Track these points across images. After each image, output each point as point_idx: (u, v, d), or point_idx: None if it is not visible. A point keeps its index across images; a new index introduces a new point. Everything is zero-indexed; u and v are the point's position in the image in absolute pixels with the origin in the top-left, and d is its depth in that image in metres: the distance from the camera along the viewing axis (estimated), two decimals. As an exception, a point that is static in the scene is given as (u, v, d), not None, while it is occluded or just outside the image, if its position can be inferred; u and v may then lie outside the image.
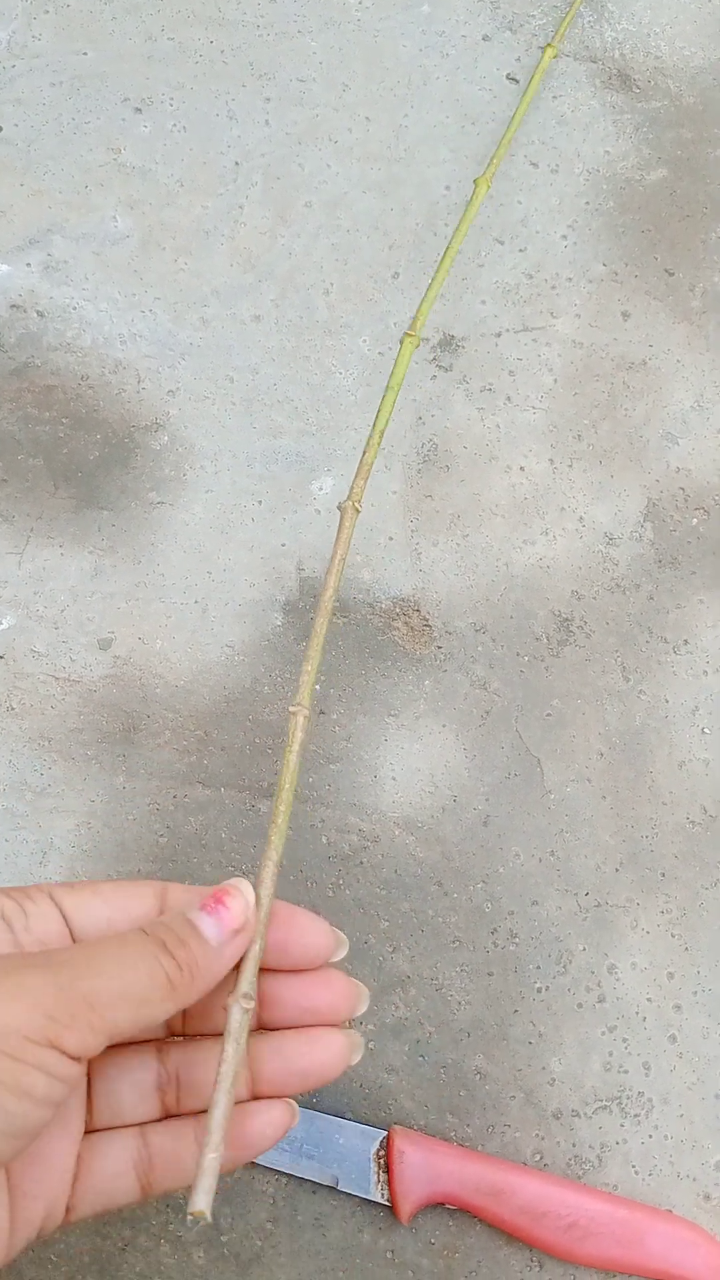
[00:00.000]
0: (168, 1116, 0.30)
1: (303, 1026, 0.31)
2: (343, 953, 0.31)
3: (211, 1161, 0.26)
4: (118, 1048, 0.30)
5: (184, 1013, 0.31)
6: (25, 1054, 0.23)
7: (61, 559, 0.47)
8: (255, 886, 0.30)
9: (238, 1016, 0.28)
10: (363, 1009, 0.31)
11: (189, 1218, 0.26)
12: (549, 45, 0.55)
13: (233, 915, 0.29)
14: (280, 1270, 0.39)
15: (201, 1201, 0.26)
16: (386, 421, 0.39)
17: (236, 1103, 0.28)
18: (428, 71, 0.57)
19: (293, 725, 0.34)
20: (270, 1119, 0.30)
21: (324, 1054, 0.30)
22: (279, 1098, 0.30)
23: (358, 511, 0.38)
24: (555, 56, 0.56)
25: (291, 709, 0.34)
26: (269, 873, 0.31)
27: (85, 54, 0.56)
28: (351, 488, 0.39)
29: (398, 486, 0.50)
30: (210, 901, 0.29)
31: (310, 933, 0.31)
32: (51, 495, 0.48)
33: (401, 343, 0.42)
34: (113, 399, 0.50)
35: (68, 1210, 0.28)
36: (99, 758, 0.45)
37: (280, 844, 0.31)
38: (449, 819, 0.45)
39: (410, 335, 0.42)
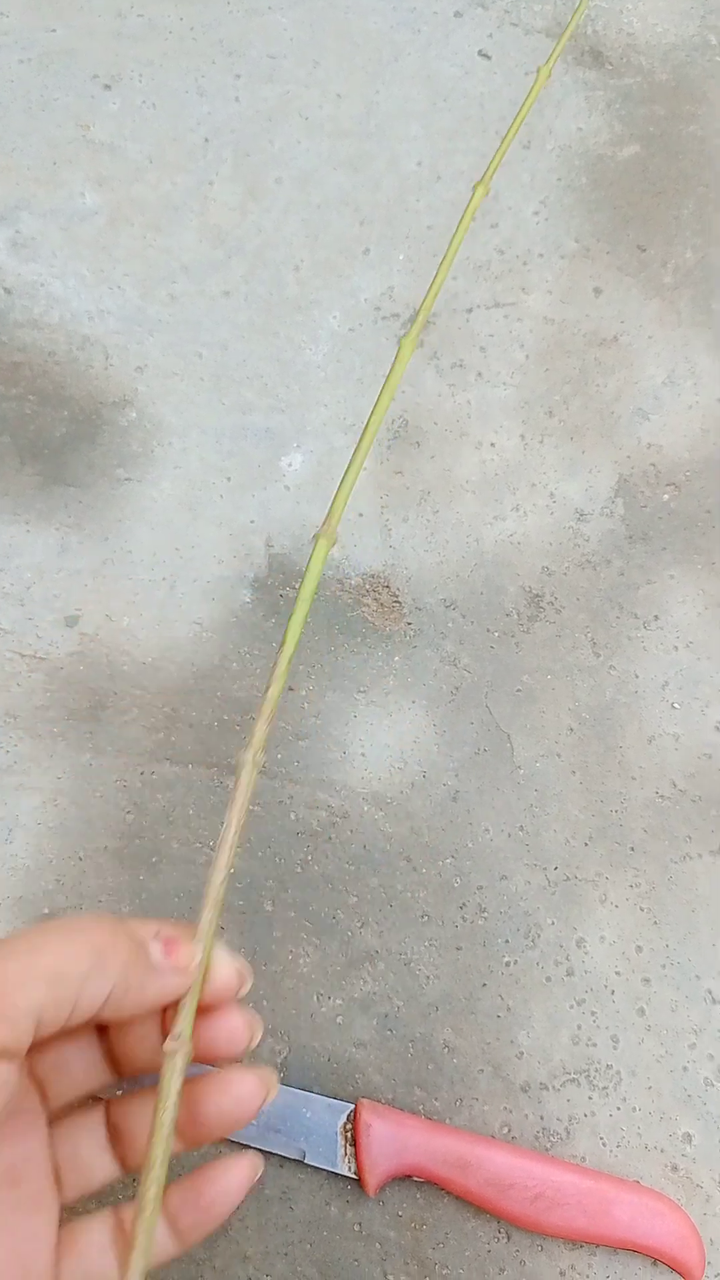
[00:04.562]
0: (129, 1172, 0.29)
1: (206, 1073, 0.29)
2: (248, 987, 0.30)
3: None
4: (64, 1111, 0.29)
5: (117, 1061, 0.30)
6: None
7: (28, 535, 0.47)
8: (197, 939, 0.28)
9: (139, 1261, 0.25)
10: (258, 1038, 0.30)
11: None
12: (545, 64, 0.54)
13: (179, 954, 0.28)
14: (248, 1243, 0.39)
15: None
16: (397, 383, 0.38)
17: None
18: (399, 48, 0.57)
19: (242, 776, 0.30)
20: (233, 1177, 0.29)
21: (236, 1097, 0.29)
22: (241, 1158, 0.29)
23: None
24: (560, 55, 0.55)
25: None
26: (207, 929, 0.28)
27: (54, 30, 0.55)
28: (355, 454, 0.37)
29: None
30: (163, 931, 0.28)
31: (222, 971, 0.29)
32: (17, 472, 0.48)
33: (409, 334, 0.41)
34: (80, 375, 0.50)
35: None
36: (66, 734, 0.45)
37: (219, 907, 0.29)
38: (418, 794, 0.45)
39: (414, 331, 0.41)
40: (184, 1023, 0.28)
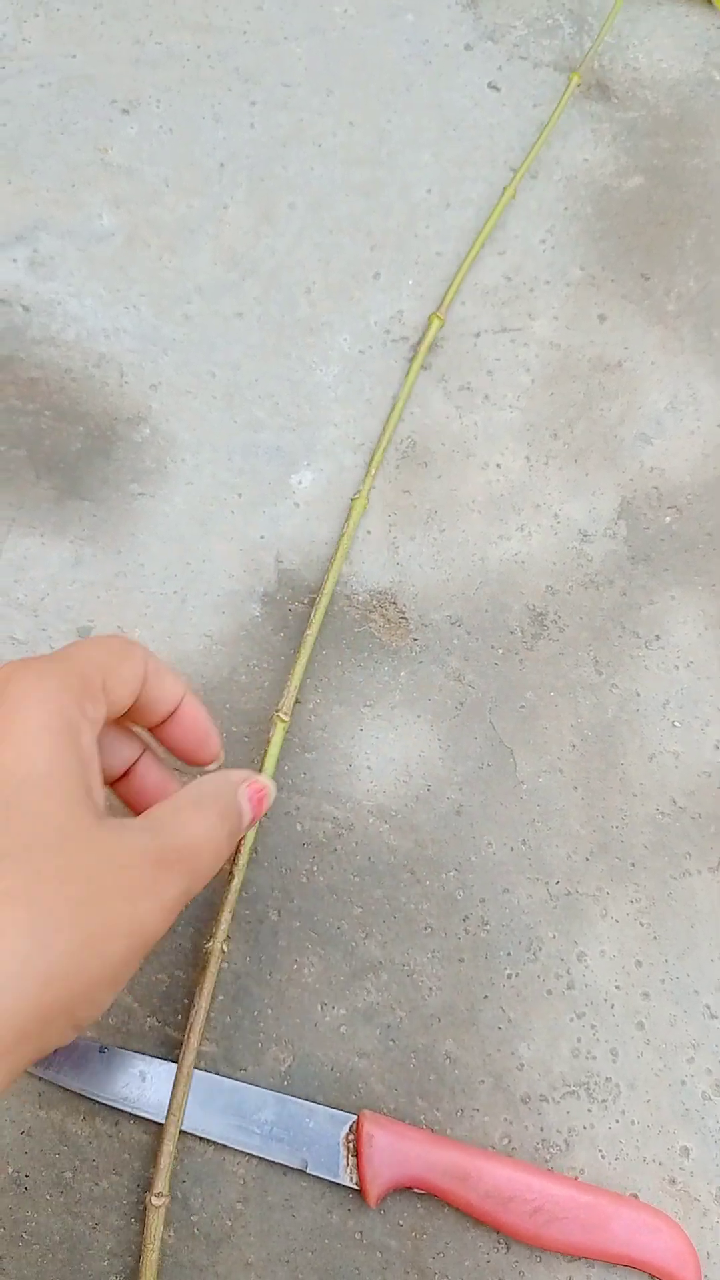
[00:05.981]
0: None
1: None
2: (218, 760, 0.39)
3: None
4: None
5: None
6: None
7: (42, 548, 0.48)
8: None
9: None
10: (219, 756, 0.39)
11: None
12: (574, 72, 0.57)
13: (259, 809, 0.36)
14: (249, 1250, 0.39)
15: None
16: (409, 389, 0.46)
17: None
18: (411, 78, 0.58)
19: (210, 965, 0.39)
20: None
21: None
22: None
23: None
24: (579, 84, 0.58)
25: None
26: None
27: (74, 56, 0.57)
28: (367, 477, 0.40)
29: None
30: (254, 793, 0.36)
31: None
32: (33, 485, 0.49)
33: (430, 321, 0.51)
34: (96, 392, 0.50)
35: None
36: (76, 744, 0.46)
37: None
38: (422, 808, 0.46)
39: (436, 315, 0.50)
40: (162, 1181, 0.34)
